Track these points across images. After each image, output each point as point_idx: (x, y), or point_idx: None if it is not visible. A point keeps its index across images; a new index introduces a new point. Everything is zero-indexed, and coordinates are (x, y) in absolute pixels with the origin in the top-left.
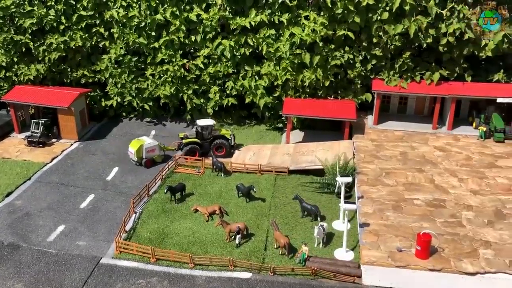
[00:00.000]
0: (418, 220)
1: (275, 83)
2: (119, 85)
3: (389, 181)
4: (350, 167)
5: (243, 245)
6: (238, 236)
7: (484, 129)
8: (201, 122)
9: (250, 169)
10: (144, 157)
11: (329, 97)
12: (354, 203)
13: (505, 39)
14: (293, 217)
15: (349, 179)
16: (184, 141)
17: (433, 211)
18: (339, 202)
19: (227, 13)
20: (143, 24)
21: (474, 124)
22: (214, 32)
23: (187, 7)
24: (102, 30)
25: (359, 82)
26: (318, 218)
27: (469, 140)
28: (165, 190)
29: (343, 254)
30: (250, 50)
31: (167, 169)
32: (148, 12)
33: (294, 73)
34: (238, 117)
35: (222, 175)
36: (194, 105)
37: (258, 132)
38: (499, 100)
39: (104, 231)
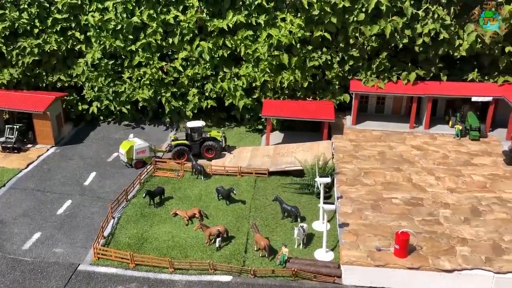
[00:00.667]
0: (397, 219)
1: (254, 85)
2: (96, 89)
3: (367, 181)
4: (329, 167)
5: (223, 248)
6: (218, 239)
7: (460, 127)
8: (191, 123)
9: (230, 171)
10: (134, 158)
11: (308, 98)
12: (333, 203)
13: (478, 39)
14: (273, 218)
15: (328, 180)
16: (173, 142)
17: (411, 209)
18: (319, 203)
19: (204, 15)
20: (119, 27)
21: (450, 123)
22: (191, 34)
23: (164, 9)
24: (77, 33)
25: (337, 83)
26: (298, 219)
27: (446, 139)
28: (144, 194)
29: (323, 254)
30: (228, 52)
31: (145, 173)
32: (125, 15)
33: (272, 74)
34: (218, 119)
35: (202, 178)
36: (173, 107)
37: (238, 134)
38: (473, 99)
39: (81, 238)
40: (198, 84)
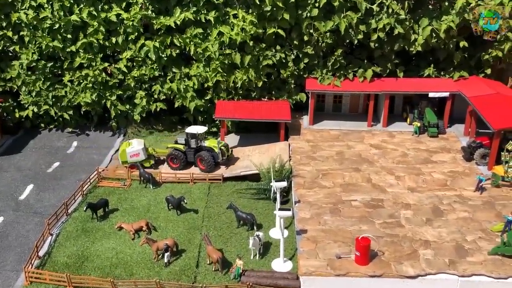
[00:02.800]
0: (357, 222)
1: (206, 85)
2: (33, 94)
3: (326, 183)
4: (286, 170)
5: (173, 264)
6: (166, 254)
7: (418, 124)
8: (190, 129)
9: (182, 178)
10: (128, 161)
11: (263, 98)
12: (289, 209)
13: (433, 33)
14: (228, 227)
15: (284, 184)
16: (169, 145)
17: (372, 212)
18: (275, 209)
19: (149, 12)
20: (57, 26)
21: (408, 120)
22: (136, 33)
23: (106, 7)
24: (10, 33)
25: (293, 82)
26: (254, 227)
27: (404, 136)
28: (85, 207)
29: (281, 265)
30: (177, 51)
31: (88, 183)
32: (62, 13)
33: (225, 74)
34: (169, 122)
35: (151, 186)
36: (119, 112)
37: None
38: (430, 95)
39: (13, 259)
40: (146, 85)
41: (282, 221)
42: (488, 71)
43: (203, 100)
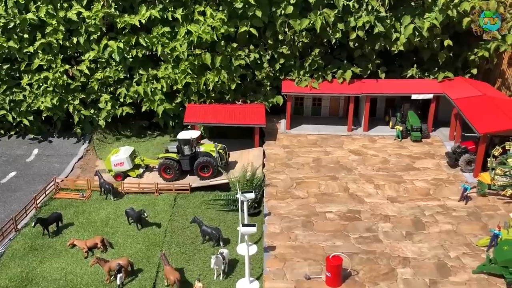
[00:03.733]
0: (331, 237)
1: (175, 88)
2: None
3: (300, 193)
4: (257, 179)
5: (126, 286)
6: (119, 276)
7: (401, 128)
8: (182, 134)
9: (146, 188)
10: (113, 170)
11: (237, 102)
12: (254, 225)
13: (416, 32)
14: (192, 243)
15: (252, 196)
16: (160, 155)
17: (347, 225)
18: (247, 216)
19: (112, 10)
20: (12, 25)
21: (390, 123)
22: (99, 32)
23: (65, 5)
24: None
25: (268, 84)
26: (221, 243)
27: (386, 141)
28: (33, 223)
29: (246, 285)
30: (144, 51)
31: (44, 195)
32: (17, 11)
33: (195, 76)
34: (138, 128)
35: (112, 198)
36: (83, 117)
37: (161, 144)
38: (413, 97)
39: None
40: (111, 89)
41: (246, 238)
42: (474, 71)
43: (173, 104)
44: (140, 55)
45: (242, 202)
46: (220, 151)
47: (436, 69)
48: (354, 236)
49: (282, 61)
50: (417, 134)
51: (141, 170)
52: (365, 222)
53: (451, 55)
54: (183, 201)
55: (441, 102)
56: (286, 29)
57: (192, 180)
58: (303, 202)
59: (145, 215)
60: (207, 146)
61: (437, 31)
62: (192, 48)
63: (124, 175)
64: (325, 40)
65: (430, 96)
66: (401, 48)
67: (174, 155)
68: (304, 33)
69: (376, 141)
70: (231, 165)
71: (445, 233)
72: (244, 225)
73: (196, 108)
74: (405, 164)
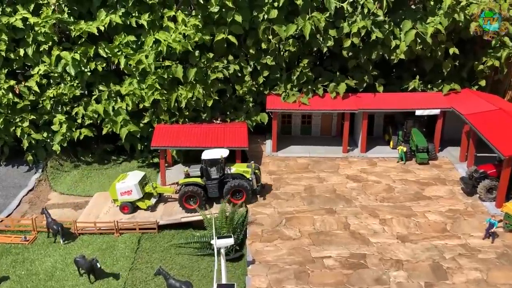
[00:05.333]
0: None
1: (142, 106)
2: None
3: (291, 232)
4: (239, 215)
5: None
6: None
7: (405, 149)
8: (208, 153)
9: (104, 228)
10: (119, 200)
11: (215, 121)
12: (233, 285)
13: (418, 38)
14: None
15: (230, 242)
16: (180, 181)
17: (351, 275)
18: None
19: (65, 15)
20: None
21: (391, 143)
22: (50, 42)
23: (8, 9)
24: None
25: (251, 99)
26: None
27: (388, 164)
28: None
29: None
30: (104, 64)
31: None
32: None
33: (165, 91)
34: (102, 153)
35: (61, 241)
36: (35, 141)
37: (126, 171)
38: (418, 112)
39: None
40: (67, 108)
41: None
42: (483, 83)
43: (141, 124)
44: (100, 68)
45: (220, 249)
46: (256, 171)
47: (440, 80)
48: None
49: (266, 73)
50: (423, 155)
51: (153, 201)
52: (372, 270)
53: (457, 64)
54: (149, 243)
55: (447, 117)
56: (270, 37)
57: (168, 214)
58: (295, 245)
59: (98, 265)
60: (239, 166)
61: (441, 38)
62: (161, 60)
63: (132, 206)
64: (315, 49)
65: (436, 111)
66: (402, 56)
67: (198, 180)
68: (290, 41)
69: (377, 164)
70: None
71: (474, 283)
72: (220, 285)
73: (166, 130)
74: (414, 192)
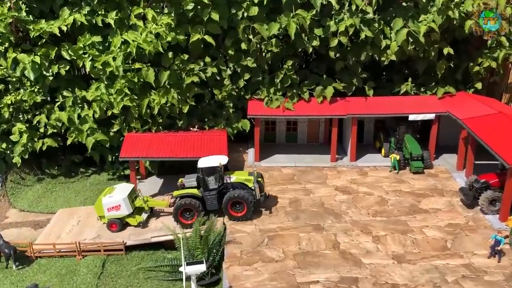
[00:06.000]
0: None
1: (110, 113)
2: None
3: (273, 253)
4: (216, 233)
5: None
6: None
7: (397, 157)
8: (205, 161)
9: (64, 250)
10: (105, 216)
11: (192, 128)
12: None
13: (409, 38)
14: None
15: (202, 268)
16: (174, 193)
17: None
18: None
19: (23, 13)
20: None
21: (383, 151)
22: (7, 43)
23: None
24: None
25: (231, 105)
26: None
27: (380, 174)
28: None
29: None
30: (68, 67)
31: None
32: None
33: (135, 97)
34: (70, 164)
35: (14, 267)
36: None
37: (95, 184)
38: (411, 117)
39: None
40: (28, 116)
41: None
42: (479, 86)
43: (111, 133)
44: (63, 72)
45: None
46: (259, 179)
47: (434, 83)
48: None
49: (247, 76)
50: (418, 164)
51: (144, 216)
52: None
53: (452, 65)
54: (115, 267)
55: (442, 122)
56: (251, 36)
57: (136, 234)
58: (278, 268)
59: None
60: (240, 174)
61: (435, 37)
62: (131, 62)
63: (121, 223)
64: (299, 50)
65: (431, 116)
66: (393, 57)
67: (195, 191)
68: (273, 40)
69: (368, 174)
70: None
71: None
72: None
73: (137, 138)
74: (409, 204)
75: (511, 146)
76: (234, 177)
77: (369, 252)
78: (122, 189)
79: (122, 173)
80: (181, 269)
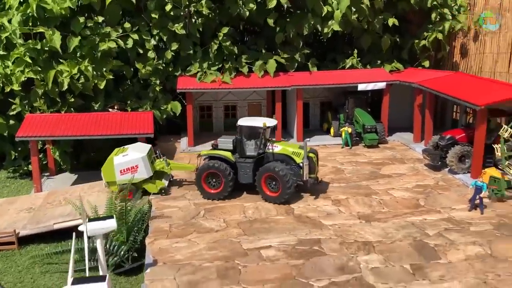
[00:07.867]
0: None
1: (8, 90)
2: None
3: (212, 223)
4: (136, 210)
5: None
6: None
7: (349, 130)
8: (246, 120)
9: None
10: (117, 181)
11: (110, 109)
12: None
13: (352, 7)
14: None
15: (111, 224)
16: (203, 152)
17: (303, 265)
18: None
19: None
20: None
21: (332, 130)
22: None
23: None
24: None
25: (158, 82)
26: None
27: (330, 150)
28: None
29: None
30: None
31: None
32: None
33: (39, 68)
34: None
35: None
36: None
37: None
38: (360, 87)
39: None
40: None
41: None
42: (426, 63)
43: (11, 121)
44: None
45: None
46: (311, 155)
47: (379, 62)
48: (320, 285)
49: (175, 46)
50: (372, 136)
51: (165, 183)
52: (333, 256)
53: (397, 40)
54: (1, 264)
55: (391, 99)
56: None
57: (35, 221)
58: (219, 237)
59: None
60: (288, 145)
61: (378, 4)
62: (31, 26)
63: (136, 190)
64: (234, 15)
65: (382, 85)
66: (336, 27)
67: (228, 154)
68: (203, 2)
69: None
70: (100, 196)
71: (478, 259)
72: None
73: (40, 119)
74: (368, 172)
75: (476, 94)
76: (280, 147)
77: (330, 214)
78: (138, 148)
79: (26, 168)
80: (80, 228)
